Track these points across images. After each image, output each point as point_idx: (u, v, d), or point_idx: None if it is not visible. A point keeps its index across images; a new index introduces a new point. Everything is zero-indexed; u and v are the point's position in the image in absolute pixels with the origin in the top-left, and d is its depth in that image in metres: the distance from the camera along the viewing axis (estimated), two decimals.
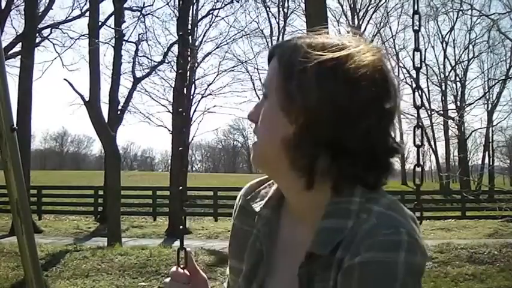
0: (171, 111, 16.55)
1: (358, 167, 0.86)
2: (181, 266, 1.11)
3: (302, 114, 0.86)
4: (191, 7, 17.93)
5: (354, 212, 0.85)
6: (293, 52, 0.89)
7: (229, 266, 1.08)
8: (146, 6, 20.02)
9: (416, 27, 1.17)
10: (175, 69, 15.56)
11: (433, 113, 32.72)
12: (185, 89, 18.10)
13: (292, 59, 0.88)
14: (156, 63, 20.43)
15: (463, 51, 32.89)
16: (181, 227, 1.24)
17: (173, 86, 15.78)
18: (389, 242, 0.79)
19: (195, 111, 26.01)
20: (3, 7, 14.88)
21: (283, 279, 0.92)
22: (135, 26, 24.60)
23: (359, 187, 0.88)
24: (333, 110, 0.84)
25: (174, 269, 1.12)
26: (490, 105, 32.12)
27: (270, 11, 29.73)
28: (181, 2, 15.25)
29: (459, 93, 33.32)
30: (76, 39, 17.75)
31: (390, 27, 34.76)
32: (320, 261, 0.84)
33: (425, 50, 33.83)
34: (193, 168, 64.21)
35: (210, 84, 26.56)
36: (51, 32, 17.82)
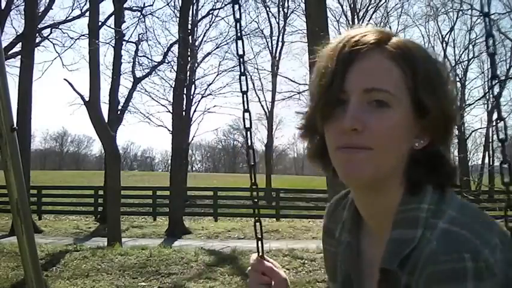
0: (171, 111, 16.54)
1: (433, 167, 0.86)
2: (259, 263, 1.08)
3: (431, 127, 0.83)
4: (191, 7, 17.94)
5: (422, 220, 0.81)
6: (426, 63, 0.84)
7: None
8: (146, 6, 20.06)
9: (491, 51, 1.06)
10: (175, 69, 15.55)
11: None
12: (185, 89, 18.10)
13: (430, 71, 0.83)
14: (156, 63, 20.46)
15: (463, 51, 32.93)
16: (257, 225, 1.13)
17: (173, 86, 15.75)
18: (452, 272, 0.73)
19: (195, 111, 26.06)
20: (3, 7, 14.87)
21: None
22: (135, 26, 24.60)
23: (430, 190, 0.84)
24: (452, 120, 0.86)
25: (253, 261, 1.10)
26: (490, 105, 32.13)
27: (270, 11, 29.70)
28: (181, 2, 15.25)
29: (459, 93, 33.32)
30: (76, 39, 17.79)
31: (390, 27, 34.66)
32: (392, 278, 0.81)
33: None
34: (193, 168, 64.23)
35: (210, 84, 26.51)
36: (51, 32, 17.85)
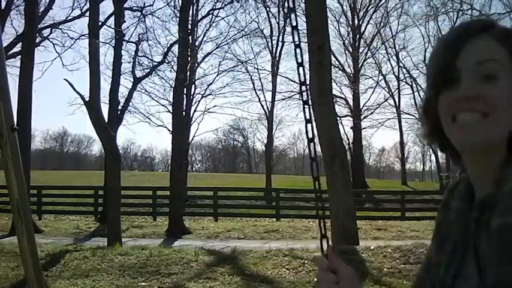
0: (171, 111, 16.54)
1: None
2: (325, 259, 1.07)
3: None
4: (191, 7, 17.94)
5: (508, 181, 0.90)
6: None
7: (426, 267, 1.11)
8: (146, 6, 20.06)
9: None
10: (175, 69, 15.56)
11: None
12: (185, 89, 18.10)
13: None
14: (156, 63, 20.45)
15: None
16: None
17: (173, 86, 15.76)
18: None
19: (195, 111, 26.08)
20: (3, 7, 14.88)
21: (471, 266, 0.94)
22: (135, 26, 24.57)
23: None
24: None
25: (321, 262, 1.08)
26: None
27: (270, 11, 29.71)
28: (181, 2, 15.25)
29: None
30: (76, 39, 17.80)
31: (390, 27, 34.69)
32: (480, 225, 0.90)
33: (426, 49, 33.85)
34: (193, 168, 64.21)
35: (210, 84, 26.52)
36: (51, 32, 17.86)
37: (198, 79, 25.49)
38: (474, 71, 0.92)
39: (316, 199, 1.24)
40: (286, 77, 32.91)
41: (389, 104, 34.23)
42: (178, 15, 16.29)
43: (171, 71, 20.99)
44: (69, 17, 18.42)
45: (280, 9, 29.35)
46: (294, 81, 31.34)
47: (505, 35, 0.95)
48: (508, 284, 0.80)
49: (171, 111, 16.69)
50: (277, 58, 29.27)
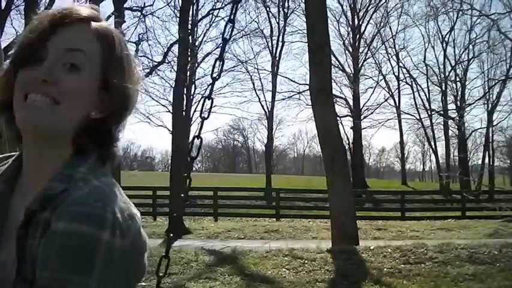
0: (171, 111, 16.53)
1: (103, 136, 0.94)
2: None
3: (109, 103, 0.95)
4: (191, 7, 17.94)
5: (75, 179, 0.88)
6: (123, 48, 0.96)
7: None
8: (146, 6, 20.06)
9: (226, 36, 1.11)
10: (176, 69, 15.56)
11: (433, 113, 32.70)
12: (185, 89, 18.10)
13: (123, 56, 0.96)
14: (156, 63, 20.45)
15: (463, 51, 32.89)
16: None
17: (173, 86, 15.76)
18: (94, 216, 0.80)
19: (195, 111, 26.07)
20: (3, 7, 14.87)
21: (9, 246, 0.89)
22: (135, 26, 24.55)
23: (92, 159, 0.92)
24: (128, 106, 1.00)
25: None
26: (490, 105, 32.09)
27: (270, 11, 29.66)
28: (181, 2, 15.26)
29: (459, 93, 33.30)
30: None
31: (390, 27, 34.66)
32: (34, 221, 0.85)
33: (426, 49, 33.82)
34: (193, 168, 64.18)
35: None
36: None
37: (198, 79, 25.48)
38: (61, 56, 0.89)
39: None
40: (286, 77, 32.87)
41: (389, 104, 34.25)
42: (178, 15, 16.29)
43: (171, 71, 20.99)
44: None
45: (280, 9, 29.35)
46: (294, 81, 31.40)
47: (105, 33, 0.93)
48: None
49: (171, 111, 16.67)
50: (277, 58, 29.26)
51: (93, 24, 0.93)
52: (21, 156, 0.97)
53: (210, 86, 2.00)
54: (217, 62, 1.99)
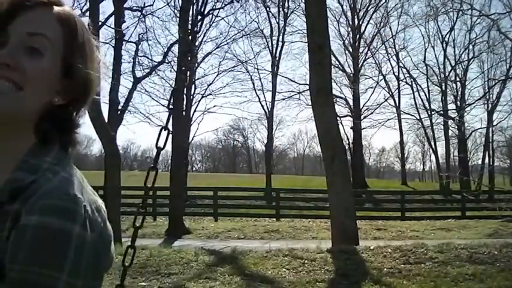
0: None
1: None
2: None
3: (72, 89, 0.94)
4: (191, 7, 17.92)
5: (42, 169, 0.87)
6: (85, 34, 0.95)
7: None
8: (146, 6, 19.98)
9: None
10: (176, 69, 15.56)
11: (433, 113, 32.70)
12: (185, 89, 18.09)
13: (85, 42, 0.95)
14: (156, 63, 20.41)
15: (463, 51, 32.89)
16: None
17: (173, 86, 15.76)
18: (65, 210, 0.81)
19: (195, 111, 26.07)
20: None
21: None
22: (135, 26, 24.55)
23: (56, 147, 0.92)
24: (90, 92, 0.98)
25: None
26: (490, 105, 32.09)
27: (270, 11, 29.60)
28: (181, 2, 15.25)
29: (459, 93, 33.29)
30: None
31: (390, 27, 34.66)
32: (1, 212, 0.84)
33: (426, 49, 33.81)
34: (193, 168, 64.19)
35: (210, 84, 26.48)
36: None
37: (198, 79, 25.48)
38: (22, 40, 0.87)
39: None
40: (286, 77, 32.89)
41: (390, 104, 34.26)
42: (178, 15, 16.29)
43: (171, 71, 20.98)
44: None
45: (280, 9, 29.34)
46: (294, 81, 31.40)
47: (67, 17, 0.92)
48: (30, 284, 0.78)
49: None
50: (277, 58, 29.23)
51: (56, 8, 0.92)
52: None
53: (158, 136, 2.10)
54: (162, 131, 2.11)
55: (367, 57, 33.48)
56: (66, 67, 0.91)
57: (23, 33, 0.88)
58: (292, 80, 31.47)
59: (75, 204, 0.82)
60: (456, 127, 31.78)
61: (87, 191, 0.89)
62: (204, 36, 24.30)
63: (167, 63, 19.86)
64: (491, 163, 33.84)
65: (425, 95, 33.31)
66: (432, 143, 34.31)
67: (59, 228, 0.79)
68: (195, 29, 19.22)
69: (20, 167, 0.88)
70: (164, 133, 2.24)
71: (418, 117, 33.07)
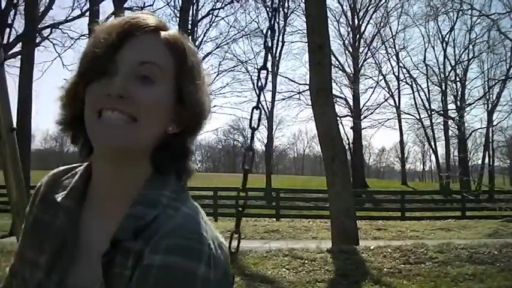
0: None
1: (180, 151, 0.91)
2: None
3: (186, 115, 0.92)
4: (191, 7, 17.94)
5: (162, 204, 0.85)
6: (194, 58, 0.93)
7: (20, 259, 0.98)
8: (146, 6, 20.03)
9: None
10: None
11: (433, 113, 32.71)
12: None
13: (194, 66, 0.93)
14: None
15: (463, 51, 32.92)
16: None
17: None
18: (191, 249, 0.78)
19: None
20: (3, 7, 14.87)
21: (86, 269, 0.87)
22: None
23: (173, 178, 0.90)
24: (203, 117, 0.96)
25: None
26: (490, 105, 32.11)
27: (270, 11, 29.65)
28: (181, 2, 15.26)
29: (459, 93, 33.30)
30: (76, 39, 17.77)
31: (390, 27, 34.71)
32: (121, 248, 0.82)
33: (426, 49, 33.84)
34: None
35: (210, 84, 26.51)
36: (51, 32, 17.84)
37: None
38: (133, 70, 0.85)
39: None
40: (286, 77, 32.94)
41: (390, 104, 34.29)
42: (178, 15, 16.31)
43: None
44: (69, 17, 18.40)
45: (280, 9, 29.33)
46: (294, 81, 31.40)
47: (174, 41, 0.89)
48: None
49: None
50: (277, 58, 29.25)
51: (162, 33, 0.89)
52: (88, 170, 0.93)
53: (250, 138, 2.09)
54: (254, 110, 2.04)
55: (367, 57, 33.52)
56: (178, 94, 0.88)
57: (133, 62, 0.85)
58: (292, 80, 31.52)
59: (200, 242, 0.79)
60: (456, 127, 31.78)
61: (210, 228, 0.85)
62: (204, 36, 24.34)
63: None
64: (491, 163, 33.87)
65: (425, 95, 33.33)
66: (432, 143, 34.32)
67: (183, 268, 0.77)
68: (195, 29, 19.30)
69: (139, 200, 0.85)
70: (256, 112, 2.19)
71: (418, 117, 33.09)
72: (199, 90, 0.90)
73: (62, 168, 1.02)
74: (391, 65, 35.20)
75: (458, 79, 33.68)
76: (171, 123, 0.89)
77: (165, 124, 0.88)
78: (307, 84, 22.91)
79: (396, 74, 34.78)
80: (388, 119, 34.42)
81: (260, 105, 2.13)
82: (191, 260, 0.77)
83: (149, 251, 0.79)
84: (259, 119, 2.16)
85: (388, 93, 34.31)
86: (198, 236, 0.80)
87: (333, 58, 22.73)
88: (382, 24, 33.24)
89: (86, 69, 0.87)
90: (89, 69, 0.86)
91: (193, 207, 0.88)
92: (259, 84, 2.10)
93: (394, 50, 33.96)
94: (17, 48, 15.27)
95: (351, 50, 33.23)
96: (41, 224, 0.95)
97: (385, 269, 7.40)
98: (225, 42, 26.00)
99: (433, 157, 40.59)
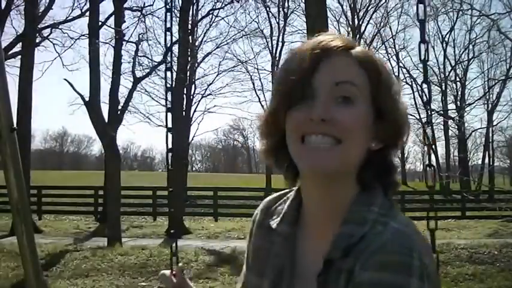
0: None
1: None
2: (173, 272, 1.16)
3: (386, 130, 0.92)
4: (191, 7, 17.93)
5: (371, 221, 0.86)
6: (387, 74, 0.95)
7: (248, 282, 1.04)
8: (146, 6, 19.98)
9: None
10: (176, 69, 15.56)
11: (433, 113, 32.71)
12: (185, 89, 18.08)
13: (389, 81, 0.95)
14: (156, 63, 20.41)
15: (463, 51, 32.87)
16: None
17: (173, 86, 15.76)
18: (402, 264, 0.78)
19: (195, 111, 26.08)
20: (3, 7, 14.87)
21: None
22: (135, 26, 24.59)
23: (380, 193, 0.90)
24: (404, 129, 0.96)
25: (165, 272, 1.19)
26: (490, 105, 32.10)
27: (270, 11, 29.62)
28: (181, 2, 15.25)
29: (459, 93, 33.29)
30: (76, 39, 17.71)
31: (390, 27, 34.68)
32: (334, 267, 0.84)
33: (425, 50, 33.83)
34: (193, 168, 64.21)
35: (210, 84, 26.49)
36: (51, 32, 17.79)
37: (198, 79, 25.48)
38: (331, 92, 0.86)
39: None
40: None
41: None
42: (178, 15, 16.29)
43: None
44: (69, 17, 18.34)
45: (280, 9, 29.36)
46: None
47: (366, 58, 0.89)
48: None
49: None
50: (277, 58, 29.26)
51: (353, 52, 0.89)
52: (298, 195, 0.96)
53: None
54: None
55: None
56: (377, 111, 0.89)
57: (330, 84, 0.86)
58: None
59: (410, 257, 0.78)
60: (456, 127, 31.77)
61: (422, 240, 0.85)
62: (204, 36, 24.34)
63: (167, 63, 19.89)
64: (491, 163, 33.86)
65: (425, 95, 33.28)
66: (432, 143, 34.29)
67: (394, 284, 0.76)
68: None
69: (349, 219, 0.87)
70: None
71: (418, 117, 33.08)
72: (395, 102, 0.91)
73: (274, 195, 1.06)
74: (391, 65, 35.15)
75: (458, 79, 33.67)
76: (373, 140, 0.90)
77: (367, 142, 0.89)
78: None
79: (396, 74, 34.78)
80: None
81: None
82: (401, 275, 0.77)
83: (359, 269, 0.80)
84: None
85: None
86: (408, 250, 0.79)
87: None
88: (382, 24, 33.26)
89: (284, 96, 0.88)
90: (288, 97, 0.88)
91: (403, 221, 0.86)
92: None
93: (394, 50, 33.98)
94: (17, 48, 15.26)
95: None
96: (260, 251, 1.00)
97: None
98: (225, 42, 25.98)
99: (433, 157, 40.53)
